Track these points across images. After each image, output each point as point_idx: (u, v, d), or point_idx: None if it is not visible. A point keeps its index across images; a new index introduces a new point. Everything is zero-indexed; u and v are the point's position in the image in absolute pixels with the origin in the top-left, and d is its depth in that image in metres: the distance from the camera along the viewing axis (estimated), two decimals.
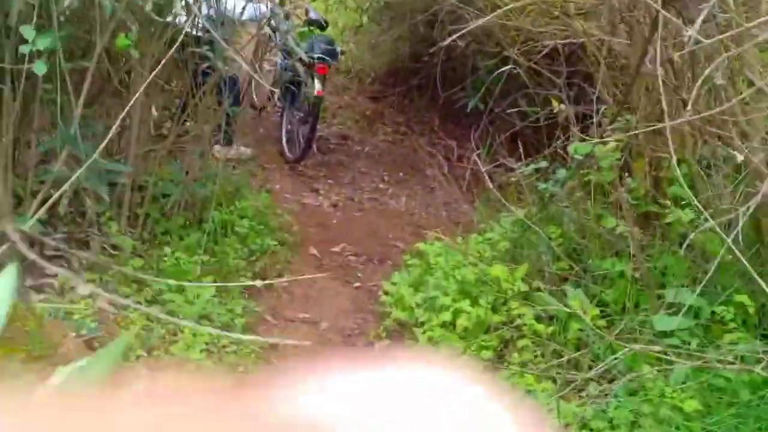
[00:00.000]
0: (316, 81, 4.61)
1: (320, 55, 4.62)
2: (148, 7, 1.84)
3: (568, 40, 2.91)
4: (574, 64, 3.21)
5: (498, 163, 3.34)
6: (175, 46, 2.46)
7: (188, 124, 3.34)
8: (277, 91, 5.09)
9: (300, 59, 4.38)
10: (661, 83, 1.86)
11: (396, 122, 6.43)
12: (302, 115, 4.91)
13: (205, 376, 0.17)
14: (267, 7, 3.38)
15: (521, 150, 3.05)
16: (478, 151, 3.28)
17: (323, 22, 4.86)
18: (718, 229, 1.72)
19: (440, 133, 6.38)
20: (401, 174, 5.45)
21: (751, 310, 1.69)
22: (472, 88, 5.22)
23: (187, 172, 3.14)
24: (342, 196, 4.82)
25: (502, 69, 3.62)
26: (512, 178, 2.99)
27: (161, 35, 2.44)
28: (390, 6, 5.45)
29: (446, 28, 4.98)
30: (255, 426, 0.16)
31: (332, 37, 5.03)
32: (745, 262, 1.56)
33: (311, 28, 4.85)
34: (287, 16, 3.12)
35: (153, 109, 2.51)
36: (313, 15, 4.82)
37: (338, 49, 4.85)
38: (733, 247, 1.53)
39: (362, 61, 6.96)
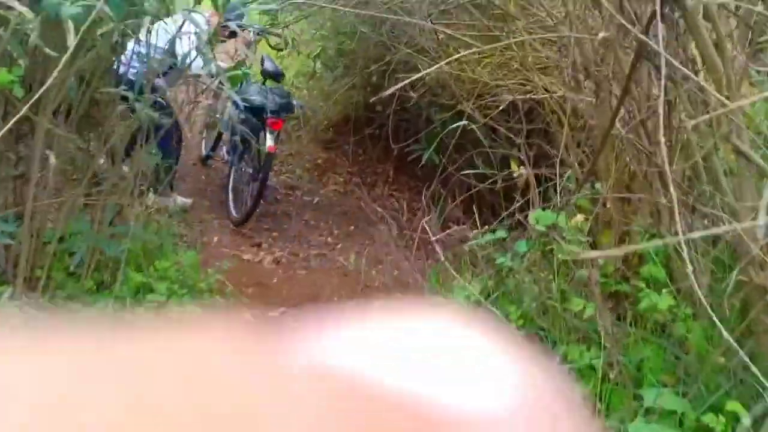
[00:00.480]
0: (268, 136, 4.24)
1: (274, 108, 4.29)
2: (34, 37, 1.50)
3: (528, 96, 2.70)
4: (534, 122, 3.00)
5: (451, 229, 3.06)
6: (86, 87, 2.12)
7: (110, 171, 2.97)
8: (225, 140, 4.76)
9: (252, 111, 4.08)
10: (634, 147, 1.61)
11: (348, 172, 6.16)
12: (251, 171, 4.52)
13: None
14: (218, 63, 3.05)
15: (476, 215, 2.79)
16: (427, 218, 2.99)
17: (279, 73, 4.57)
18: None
19: (393, 186, 6.14)
20: (351, 228, 5.14)
21: (746, 421, 1.41)
22: (426, 141, 5.00)
23: (98, 224, 2.75)
24: (286, 251, 4.46)
25: (457, 124, 3.39)
26: (466, 247, 2.72)
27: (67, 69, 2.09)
28: (343, 53, 5.24)
29: (399, 78, 4.79)
30: (287, 375, 0.15)
31: (288, 89, 4.66)
32: (746, 357, 1.28)
33: (266, 78, 4.58)
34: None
35: (52, 158, 2.13)
36: (268, 65, 4.53)
37: (295, 102, 4.47)
38: (732, 341, 1.26)
39: (315, 108, 6.73)
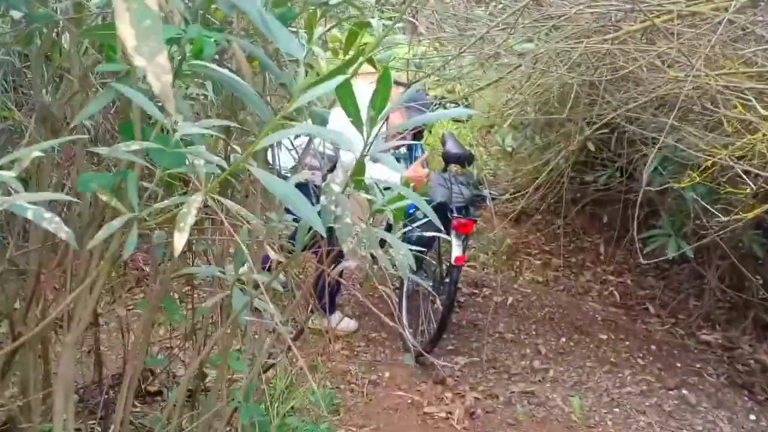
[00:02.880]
0: (454, 242, 3.11)
1: (461, 205, 3.16)
2: None
3: None
4: None
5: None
6: None
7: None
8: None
9: (440, 208, 2.96)
10: None
11: (545, 252, 4.82)
12: (431, 285, 3.39)
13: None
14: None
15: None
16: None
17: (467, 156, 3.40)
18: None
19: (607, 265, 4.68)
20: (563, 340, 3.78)
21: None
22: (670, 224, 3.52)
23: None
24: (480, 391, 3.23)
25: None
26: None
27: None
28: (548, 121, 3.92)
29: (633, 139, 3.41)
30: None
31: (478, 175, 3.45)
32: None
33: (449, 163, 3.42)
34: None
35: None
36: (451, 146, 3.39)
37: (486, 193, 3.29)
38: None
39: (496, 172, 5.51)
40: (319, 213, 1.11)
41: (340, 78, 0.86)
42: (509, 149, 3.76)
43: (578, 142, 3.21)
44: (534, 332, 3.83)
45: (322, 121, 1.12)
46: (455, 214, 3.10)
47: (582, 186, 4.47)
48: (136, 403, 2.57)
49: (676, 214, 3.27)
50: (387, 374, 3.31)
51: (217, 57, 1.16)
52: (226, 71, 0.94)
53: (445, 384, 3.27)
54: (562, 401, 3.20)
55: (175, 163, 0.85)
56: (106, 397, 2.16)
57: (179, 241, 0.73)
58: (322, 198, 1.06)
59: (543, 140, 4.05)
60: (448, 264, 3.20)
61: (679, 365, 3.64)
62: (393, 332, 3.65)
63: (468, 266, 4.57)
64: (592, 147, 3.19)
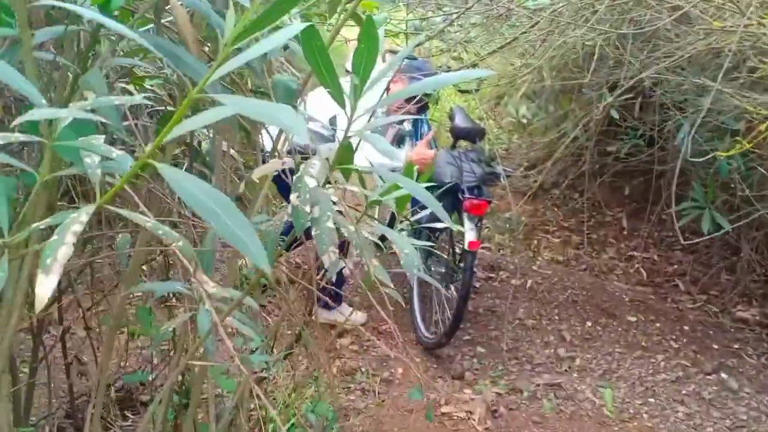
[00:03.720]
0: (467, 225, 2.81)
1: (473, 184, 2.86)
2: None
3: None
4: None
5: None
6: None
7: None
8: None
9: (440, 189, 2.72)
10: None
11: (565, 228, 4.54)
12: (443, 272, 3.13)
13: None
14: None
15: None
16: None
17: (478, 130, 3.09)
18: None
19: (630, 240, 4.39)
20: (589, 324, 3.51)
21: None
22: (700, 194, 3.22)
23: None
24: (502, 386, 2.98)
25: None
26: None
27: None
28: (565, 87, 3.60)
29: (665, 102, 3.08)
30: None
31: (491, 150, 3.10)
32: None
33: (458, 139, 3.12)
34: None
35: None
36: (461, 120, 3.08)
37: (500, 169, 2.94)
38: None
39: (509, 146, 5.20)
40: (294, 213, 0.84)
41: (301, 24, 0.58)
42: (524, 120, 3.44)
43: (601, 109, 2.89)
44: (557, 317, 3.56)
45: (287, 92, 0.84)
46: (467, 195, 2.82)
47: (602, 157, 4.15)
48: (128, 414, 2.35)
49: (710, 184, 2.96)
50: (400, 371, 3.07)
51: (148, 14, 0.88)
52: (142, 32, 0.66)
53: (463, 379, 3.02)
54: (592, 393, 2.94)
55: (65, 160, 0.58)
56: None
57: (46, 287, 0.46)
58: (292, 196, 0.79)
59: (560, 110, 3.73)
60: (461, 249, 2.92)
61: (715, 347, 3.36)
62: (405, 322, 3.39)
63: (483, 248, 4.30)
64: (615, 114, 2.87)
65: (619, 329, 3.48)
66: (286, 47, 0.97)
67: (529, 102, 3.84)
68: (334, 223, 0.84)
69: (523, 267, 3.99)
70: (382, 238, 1.03)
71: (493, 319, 3.51)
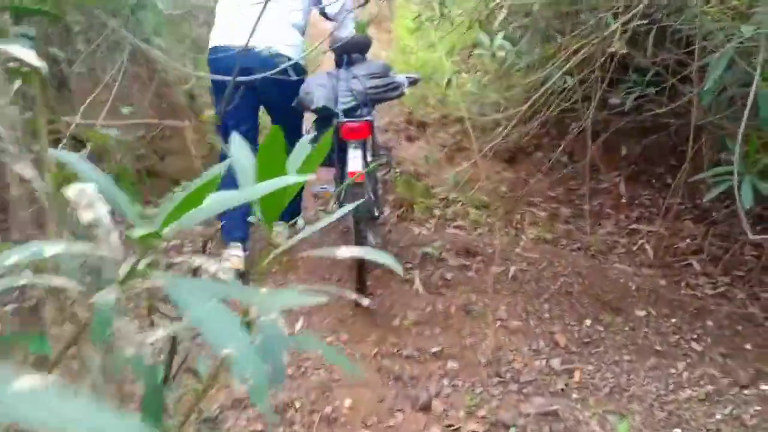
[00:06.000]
0: (349, 154, 2.62)
1: (349, 105, 2.61)
2: None
3: None
4: None
5: None
6: None
7: None
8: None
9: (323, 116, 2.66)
10: None
11: (552, 199, 3.79)
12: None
13: None
14: None
15: None
16: None
17: (363, 44, 2.83)
18: None
19: (631, 209, 3.66)
20: (587, 323, 2.80)
21: None
22: (736, 148, 2.45)
23: None
24: (482, 420, 2.25)
25: None
26: None
27: None
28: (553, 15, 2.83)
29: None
30: None
31: (383, 63, 2.85)
32: None
33: (342, 53, 2.88)
34: None
35: None
36: (340, 31, 2.94)
37: (401, 78, 2.72)
38: None
39: (480, 99, 4.40)
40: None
41: None
42: (501, 56, 2.66)
43: (611, 42, 2.10)
44: (547, 314, 2.84)
45: None
46: (342, 119, 2.54)
47: (599, 111, 3.38)
48: None
49: (751, 142, 2.21)
50: (347, 402, 2.32)
51: None
52: None
53: (430, 411, 2.29)
54: (599, 425, 2.23)
55: None
56: None
57: None
58: None
59: (545, 49, 2.92)
60: (344, 188, 2.62)
61: (748, 346, 2.67)
62: (355, 327, 2.64)
63: (455, 227, 3.54)
64: (623, 48, 2.09)
65: (626, 328, 2.77)
66: None
67: (509, 36, 3.02)
68: None
69: (503, 250, 3.24)
70: None
71: (467, 322, 2.77)
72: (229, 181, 0.67)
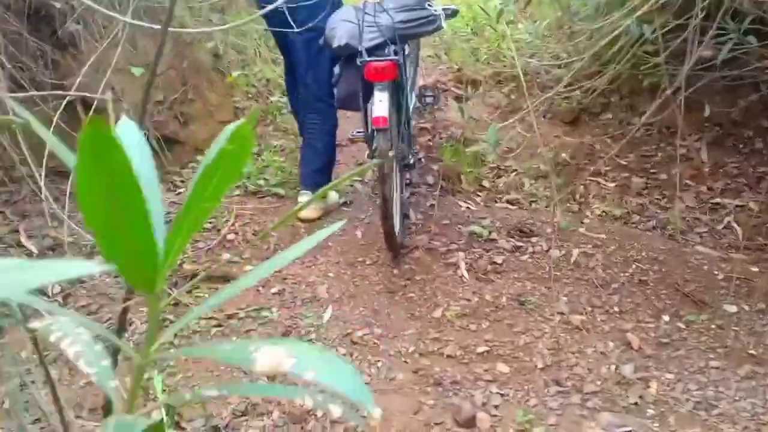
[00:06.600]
0: (375, 96, 2.33)
1: (375, 43, 2.31)
2: None
3: None
4: None
5: None
6: None
7: None
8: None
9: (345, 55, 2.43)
10: None
11: (622, 167, 3.30)
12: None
13: None
14: None
15: None
16: None
17: None
18: None
19: (715, 179, 3.14)
20: (665, 320, 2.36)
21: None
22: None
23: None
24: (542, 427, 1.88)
25: None
26: None
27: None
28: None
29: None
30: None
31: None
32: None
33: None
34: None
35: None
36: None
37: (437, 9, 2.45)
38: None
39: (539, 52, 3.89)
40: None
41: None
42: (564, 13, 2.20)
43: None
44: (616, 309, 2.42)
45: None
46: (366, 58, 2.26)
47: (677, 69, 2.85)
48: None
49: None
50: (378, 413, 1.98)
51: None
52: None
53: (474, 426, 1.94)
54: None
55: None
56: None
57: None
58: None
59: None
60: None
61: None
62: (390, 319, 2.30)
63: (507, 201, 3.11)
64: None
65: (713, 327, 2.32)
66: None
67: None
68: None
69: (564, 230, 2.81)
70: None
71: (521, 316, 2.38)
72: None
